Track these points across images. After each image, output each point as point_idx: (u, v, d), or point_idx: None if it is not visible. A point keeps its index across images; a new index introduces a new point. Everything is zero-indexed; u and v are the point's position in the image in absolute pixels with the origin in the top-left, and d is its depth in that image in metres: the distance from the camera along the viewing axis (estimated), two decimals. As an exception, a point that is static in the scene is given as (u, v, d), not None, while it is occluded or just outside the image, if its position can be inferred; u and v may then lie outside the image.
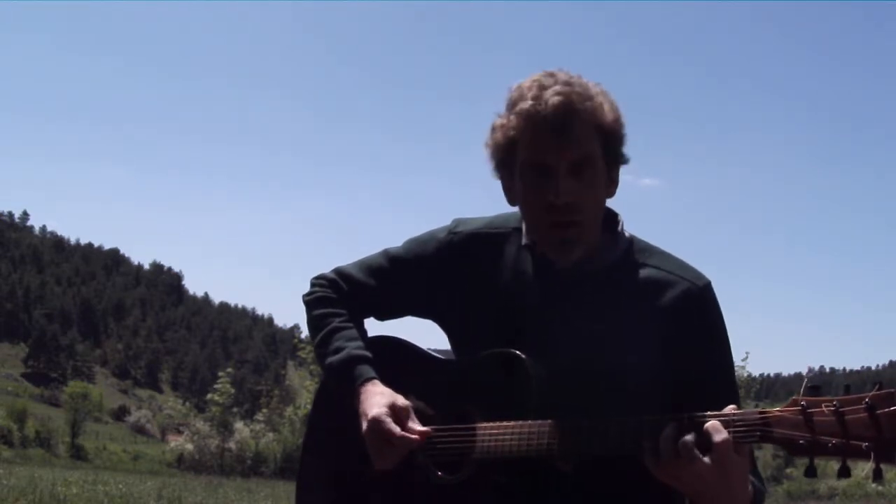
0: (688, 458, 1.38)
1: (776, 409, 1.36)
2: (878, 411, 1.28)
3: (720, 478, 1.38)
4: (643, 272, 1.63)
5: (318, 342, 1.80)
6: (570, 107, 1.55)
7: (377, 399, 1.66)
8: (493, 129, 1.65)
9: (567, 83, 1.58)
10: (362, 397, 1.67)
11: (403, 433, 1.61)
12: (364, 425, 1.64)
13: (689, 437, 1.39)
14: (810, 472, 1.36)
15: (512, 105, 1.61)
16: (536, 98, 1.56)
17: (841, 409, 1.30)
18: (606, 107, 1.60)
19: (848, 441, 1.29)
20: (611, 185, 1.64)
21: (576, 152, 1.56)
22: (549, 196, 1.56)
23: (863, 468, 1.28)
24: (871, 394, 1.29)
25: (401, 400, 1.66)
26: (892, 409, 1.27)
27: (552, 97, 1.55)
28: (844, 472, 1.31)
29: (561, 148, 1.56)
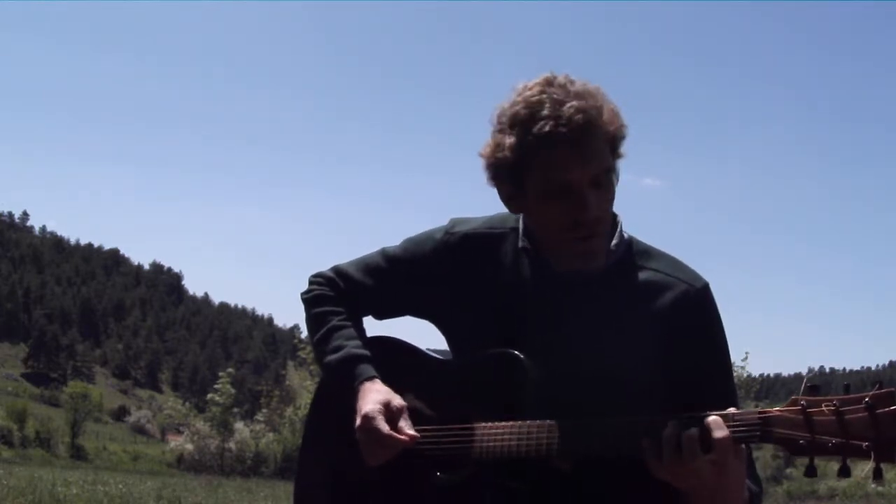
0: (690, 453, 1.38)
1: (776, 409, 1.36)
2: (878, 411, 1.28)
3: (718, 475, 1.39)
4: (642, 274, 1.63)
5: (317, 341, 1.80)
6: (589, 124, 1.52)
7: (372, 396, 1.66)
8: (499, 146, 1.58)
9: (578, 95, 1.53)
10: (360, 395, 1.68)
11: (391, 433, 1.61)
12: (357, 422, 1.64)
13: (692, 431, 1.39)
14: (810, 471, 1.36)
15: (521, 123, 1.55)
16: (555, 118, 1.51)
17: (841, 409, 1.30)
18: (614, 113, 1.58)
19: (848, 441, 1.29)
20: (616, 184, 1.64)
21: (596, 168, 1.55)
22: (574, 214, 1.55)
23: (863, 468, 1.28)
24: (871, 393, 1.29)
25: (397, 399, 1.66)
26: (892, 408, 1.27)
27: (573, 115, 1.51)
28: (845, 472, 1.31)
29: (584, 166, 1.53)
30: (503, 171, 1.60)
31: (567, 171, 1.53)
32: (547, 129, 1.51)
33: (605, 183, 1.57)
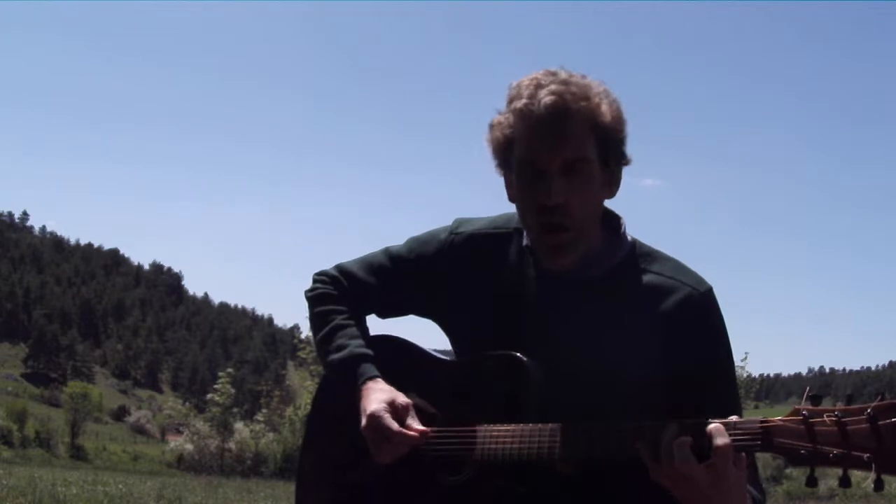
0: (682, 458, 1.38)
1: (778, 418, 1.36)
2: (880, 422, 1.27)
3: (715, 482, 1.38)
4: (645, 277, 1.63)
5: (320, 339, 1.80)
6: (562, 107, 1.54)
7: (377, 395, 1.66)
8: (492, 126, 1.64)
9: (564, 82, 1.56)
10: (363, 395, 1.68)
11: (401, 430, 1.62)
12: (363, 421, 1.64)
13: (685, 438, 1.38)
14: (811, 482, 1.36)
15: (509, 102, 1.60)
16: (531, 97, 1.55)
17: (843, 420, 1.29)
18: (604, 107, 1.57)
19: (849, 452, 1.28)
20: (611, 186, 1.63)
21: (568, 153, 1.55)
22: (540, 197, 1.56)
23: (864, 477, 1.28)
24: (873, 404, 1.29)
25: (401, 398, 1.66)
26: (893, 420, 1.26)
27: (546, 96, 1.54)
28: (845, 482, 1.31)
29: (552, 148, 1.55)
30: (499, 154, 1.64)
31: (534, 150, 1.56)
32: (520, 105, 1.56)
33: (580, 172, 1.56)
